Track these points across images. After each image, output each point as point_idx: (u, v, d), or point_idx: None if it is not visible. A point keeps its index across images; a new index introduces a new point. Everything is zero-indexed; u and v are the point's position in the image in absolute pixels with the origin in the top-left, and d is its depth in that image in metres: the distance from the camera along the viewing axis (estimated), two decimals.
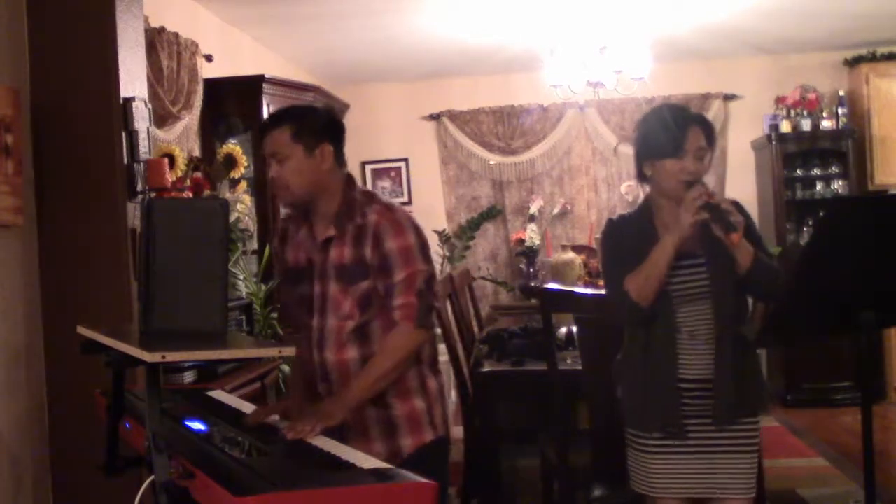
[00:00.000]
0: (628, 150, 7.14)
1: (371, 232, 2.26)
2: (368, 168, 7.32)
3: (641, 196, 7.23)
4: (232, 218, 3.98)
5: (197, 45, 4.38)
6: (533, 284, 6.30)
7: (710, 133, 2.43)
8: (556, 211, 7.23)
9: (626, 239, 2.50)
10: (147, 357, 1.59)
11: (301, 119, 2.33)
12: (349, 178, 2.38)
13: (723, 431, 2.39)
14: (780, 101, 6.75)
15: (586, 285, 5.25)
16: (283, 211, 2.99)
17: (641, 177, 2.51)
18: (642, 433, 2.47)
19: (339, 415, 2.10)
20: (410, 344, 2.25)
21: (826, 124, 6.64)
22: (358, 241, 2.28)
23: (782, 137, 6.61)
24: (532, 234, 6.78)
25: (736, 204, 2.42)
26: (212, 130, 4.67)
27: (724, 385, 2.36)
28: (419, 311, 2.23)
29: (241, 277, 4.17)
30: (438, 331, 2.46)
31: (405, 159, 7.30)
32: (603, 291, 3.32)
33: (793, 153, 6.64)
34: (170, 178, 3.29)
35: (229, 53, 5.07)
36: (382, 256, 2.24)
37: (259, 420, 2.18)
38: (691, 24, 5.77)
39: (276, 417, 2.21)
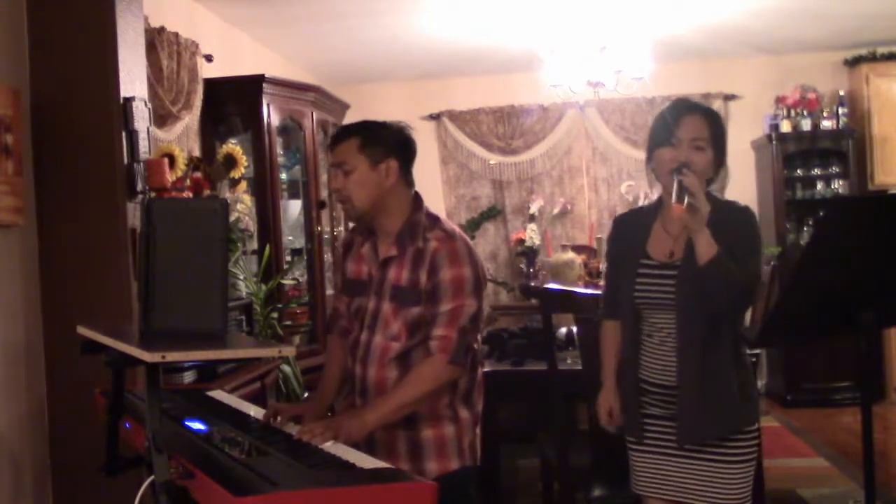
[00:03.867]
0: (625, 150, 7.19)
1: (429, 258, 2.25)
2: None
3: (642, 196, 7.26)
4: (232, 218, 3.98)
5: (197, 45, 4.38)
6: (533, 284, 6.30)
7: (714, 124, 2.34)
8: (556, 211, 7.24)
9: (620, 240, 2.49)
10: (147, 357, 1.59)
11: (369, 132, 2.33)
12: (416, 199, 2.37)
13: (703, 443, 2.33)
14: (780, 101, 6.76)
15: (586, 285, 5.25)
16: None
17: (653, 174, 2.43)
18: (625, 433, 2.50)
19: (356, 436, 2.07)
20: (441, 377, 2.22)
21: (826, 124, 6.65)
22: (415, 265, 2.27)
23: (782, 137, 6.62)
24: (532, 234, 6.78)
25: (745, 211, 2.36)
26: (212, 130, 4.67)
27: (687, 403, 2.29)
28: (456, 347, 2.21)
29: (241, 277, 4.17)
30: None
31: None
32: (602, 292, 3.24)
33: (793, 153, 6.65)
34: (170, 178, 3.29)
35: (229, 53, 5.07)
36: (435, 285, 2.24)
37: (272, 415, 2.21)
38: (691, 24, 5.77)
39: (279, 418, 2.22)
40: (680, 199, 2.19)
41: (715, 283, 2.21)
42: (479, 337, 2.38)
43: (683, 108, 2.36)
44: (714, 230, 2.22)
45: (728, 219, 2.30)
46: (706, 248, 2.20)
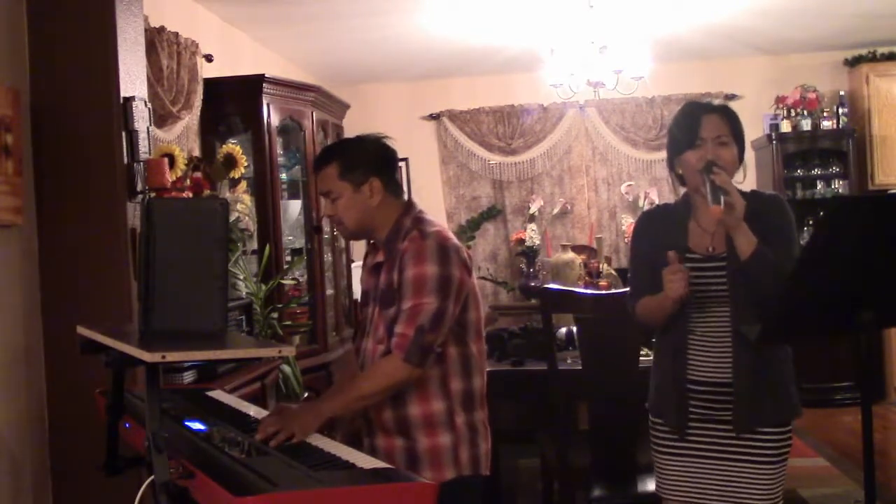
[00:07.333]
0: (625, 149, 7.19)
1: (399, 259, 2.27)
2: None
3: (642, 196, 7.24)
4: (232, 218, 3.97)
5: (197, 45, 4.37)
6: (533, 284, 6.29)
7: (732, 120, 2.36)
8: (556, 211, 7.24)
9: (653, 235, 2.43)
10: (147, 357, 1.59)
11: (346, 156, 2.35)
12: (407, 205, 2.39)
13: (743, 438, 2.30)
14: (780, 101, 6.75)
15: (586, 285, 5.24)
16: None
17: (678, 179, 2.42)
18: (655, 433, 2.44)
19: (311, 429, 2.05)
20: (395, 374, 2.19)
21: (826, 124, 6.65)
22: (392, 267, 2.29)
23: (782, 137, 6.62)
24: (532, 234, 6.77)
25: (775, 198, 2.38)
26: (212, 130, 4.67)
27: (743, 392, 2.27)
28: (411, 346, 2.18)
29: (241, 277, 4.17)
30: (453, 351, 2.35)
31: (405, 159, 7.28)
32: (602, 292, 3.26)
33: (793, 153, 6.65)
34: (170, 178, 3.29)
35: (229, 53, 5.07)
36: (399, 283, 2.25)
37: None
38: (691, 24, 5.77)
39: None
40: (716, 200, 2.18)
41: (759, 276, 2.21)
42: (481, 340, 2.36)
43: (701, 109, 2.36)
44: (748, 221, 2.22)
45: (760, 209, 2.29)
46: (746, 243, 2.21)
